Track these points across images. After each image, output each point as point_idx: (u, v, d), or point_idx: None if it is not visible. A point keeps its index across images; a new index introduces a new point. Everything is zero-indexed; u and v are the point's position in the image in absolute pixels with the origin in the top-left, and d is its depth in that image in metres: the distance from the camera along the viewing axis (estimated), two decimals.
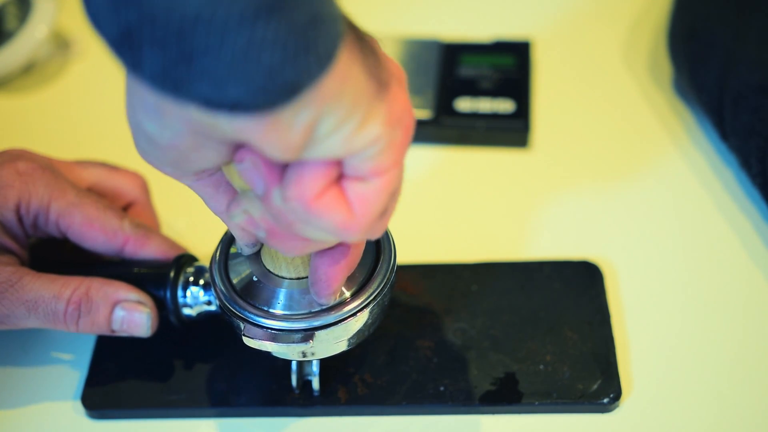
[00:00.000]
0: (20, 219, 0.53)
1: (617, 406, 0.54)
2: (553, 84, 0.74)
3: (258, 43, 0.33)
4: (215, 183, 0.45)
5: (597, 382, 0.54)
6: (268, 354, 0.50)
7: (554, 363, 0.55)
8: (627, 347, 0.56)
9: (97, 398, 0.55)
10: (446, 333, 0.57)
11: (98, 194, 0.57)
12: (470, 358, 0.55)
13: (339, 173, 0.39)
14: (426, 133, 0.70)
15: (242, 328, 0.49)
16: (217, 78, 0.33)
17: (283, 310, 0.48)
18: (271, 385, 0.55)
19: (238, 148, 0.39)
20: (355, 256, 0.47)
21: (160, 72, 0.33)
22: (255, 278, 0.49)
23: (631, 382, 0.55)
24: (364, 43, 0.38)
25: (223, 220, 0.47)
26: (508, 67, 0.73)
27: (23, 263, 0.53)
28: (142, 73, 0.34)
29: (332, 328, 0.48)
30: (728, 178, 0.65)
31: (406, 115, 0.40)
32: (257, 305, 0.49)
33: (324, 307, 0.48)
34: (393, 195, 0.41)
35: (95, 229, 0.54)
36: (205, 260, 0.56)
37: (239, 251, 0.50)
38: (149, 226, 0.56)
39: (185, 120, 0.37)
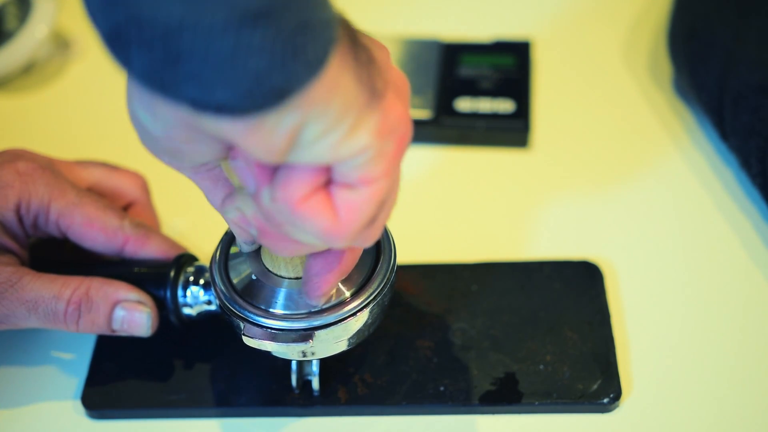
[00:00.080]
0: (20, 219, 0.53)
1: (617, 406, 0.54)
2: (553, 84, 0.74)
3: (244, 49, 0.33)
4: (214, 177, 0.45)
5: (597, 382, 0.54)
6: (268, 354, 0.50)
7: (554, 363, 0.55)
8: (627, 347, 0.56)
9: (97, 398, 0.55)
10: (446, 333, 0.57)
11: (98, 194, 0.57)
12: (470, 358, 0.55)
13: (328, 179, 0.40)
14: (426, 133, 0.70)
15: (242, 327, 0.49)
16: (204, 81, 0.34)
17: (283, 309, 0.48)
18: (271, 385, 0.55)
19: (232, 145, 0.39)
20: (350, 262, 0.47)
21: (148, 71, 0.34)
22: (255, 278, 0.49)
23: (631, 382, 0.55)
24: (360, 50, 0.38)
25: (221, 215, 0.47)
26: (508, 67, 0.73)
27: (23, 263, 0.53)
28: (132, 72, 0.35)
29: (332, 327, 0.48)
30: (728, 178, 0.65)
31: (400, 127, 0.40)
32: (257, 305, 0.49)
33: (324, 307, 0.48)
34: (382, 205, 0.41)
35: (95, 229, 0.54)
36: (205, 260, 0.56)
37: (239, 248, 0.50)
38: (149, 226, 0.56)
39: (176, 115, 0.37)
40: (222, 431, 0.55)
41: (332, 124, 0.37)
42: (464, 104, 0.70)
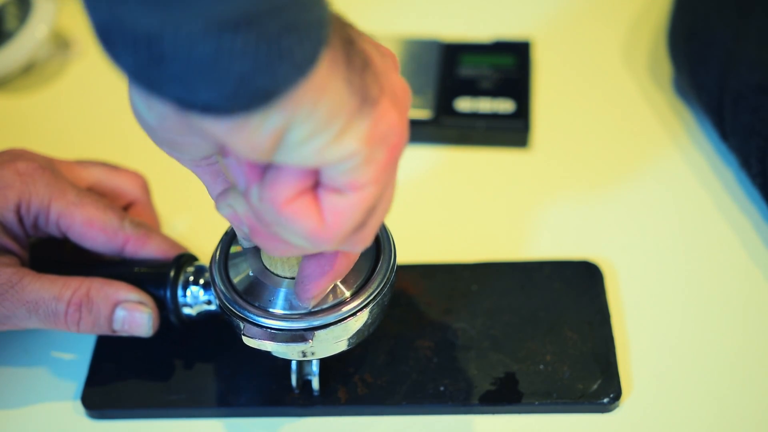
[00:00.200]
0: (20, 219, 0.53)
1: (617, 406, 0.54)
2: (553, 84, 0.74)
3: (226, 53, 0.33)
4: (214, 172, 0.45)
5: (597, 382, 0.54)
6: (268, 354, 0.50)
7: (554, 363, 0.55)
8: (627, 347, 0.56)
9: (97, 398, 0.55)
10: (446, 333, 0.57)
11: (98, 194, 0.57)
12: (470, 358, 0.55)
13: (317, 182, 0.39)
14: (426, 133, 0.70)
15: (242, 327, 0.49)
16: (188, 82, 0.34)
17: (283, 309, 0.48)
18: (271, 385, 0.55)
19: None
20: (343, 266, 0.46)
21: (135, 70, 0.34)
22: (255, 277, 0.49)
23: (631, 382, 0.55)
24: (354, 54, 0.38)
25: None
26: (508, 67, 0.73)
27: (24, 264, 0.53)
28: (122, 69, 0.35)
29: (332, 327, 0.48)
30: (728, 178, 0.65)
31: (392, 135, 0.39)
32: (257, 305, 0.49)
33: (324, 307, 0.48)
34: (372, 211, 0.41)
35: (95, 229, 0.54)
36: (205, 260, 0.56)
37: (240, 243, 0.50)
38: (149, 226, 0.57)
39: (168, 108, 0.37)
40: (222, 431, 0.55)
41: (319, 127, 0.37)
42: (464, 104, 0.70)
